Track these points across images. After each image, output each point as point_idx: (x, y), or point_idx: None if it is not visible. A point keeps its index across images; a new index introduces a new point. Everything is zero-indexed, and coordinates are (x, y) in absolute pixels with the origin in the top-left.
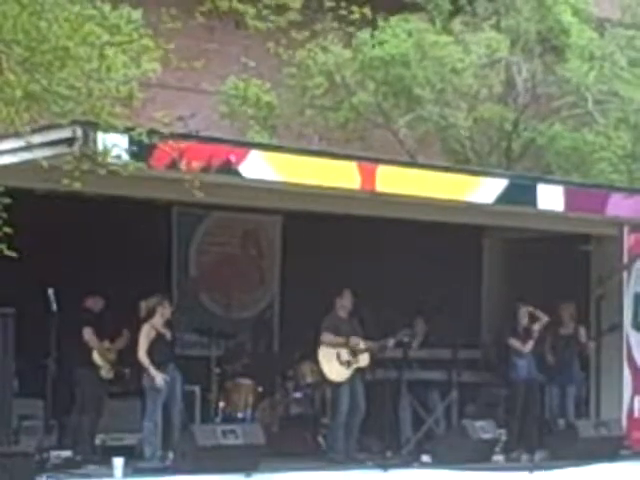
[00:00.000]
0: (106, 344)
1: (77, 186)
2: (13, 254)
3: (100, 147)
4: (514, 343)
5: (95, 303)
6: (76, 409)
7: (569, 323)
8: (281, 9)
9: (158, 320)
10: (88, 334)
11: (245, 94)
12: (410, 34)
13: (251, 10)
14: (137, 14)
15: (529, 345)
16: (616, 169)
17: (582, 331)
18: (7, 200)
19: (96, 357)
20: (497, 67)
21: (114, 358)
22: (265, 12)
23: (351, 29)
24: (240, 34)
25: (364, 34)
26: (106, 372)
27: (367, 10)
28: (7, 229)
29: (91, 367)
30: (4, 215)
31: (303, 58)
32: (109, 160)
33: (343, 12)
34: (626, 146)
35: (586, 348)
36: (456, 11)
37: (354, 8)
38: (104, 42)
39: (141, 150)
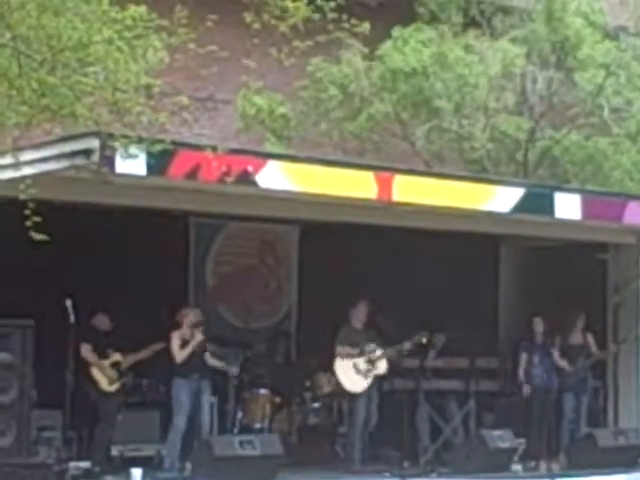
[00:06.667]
0: (116, 357)
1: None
2: (44, 237)
3: (118, 157)
4: (522, 357)
5: (100, 321)
6: (90, 421)
7: (578, 333)
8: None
9: (185, 330)
10: (85, 351)
11: (258, 107)
12: (424, 44)
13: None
14: (150, 16)
15: (534, 363)
16: (631, 177)
17: (591, 340)
18: (37, 219)
19: (95, 373)
20: (513, 78)
21: (115, 373)
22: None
23: (351, 41)
24: (259, 44)
25: (385, 45)
26: (107, 385)
27: (366, 24)
28: (36, 218)
29: (93, 382)
30: (32, 205)
31: (314, 70)
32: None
33: (345, 25)
34: (630, 149)
35: (599, 358)
36: (469, 24)
37: (354, 21)
38: (120, 37)
39: (160, 160)
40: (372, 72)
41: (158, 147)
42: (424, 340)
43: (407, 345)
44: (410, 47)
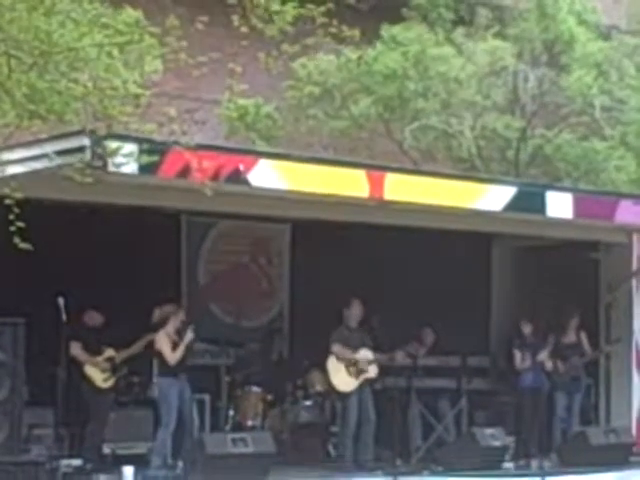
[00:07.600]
0: (109, 353)
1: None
2: (28, 246)
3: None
4: (516, 354)
5: (91, 317)
6: (82, 419)
7: (572, 333)
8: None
9: (171, 329)
10: (75, 349)
11: (244, 108)
12: (412, 42)
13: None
14: (142, 20)
15: (527, 362)
16: (629, 177)
17: (585, 340)
18: (16, 210)
19: (88, 369)
20: (503, 76)
21: (109, 368)
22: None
23: (342, 46)
24: (248, 46)
25: (361, 49)
26: (101, 382)
27: (356, 31)
28: (20, 224)
29: (86, 379)
30: (16, 210)
31: (296, 69)
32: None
33: (333, 30)
34: (625, 156)
35: (595, 357)
36: (459, 21)
37: (344, 27)
38: (111, 43)
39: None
40: (351, 71)
41: (145, 160)
42: (414, 352)
43: (400, 355)
44: (391, 48)
